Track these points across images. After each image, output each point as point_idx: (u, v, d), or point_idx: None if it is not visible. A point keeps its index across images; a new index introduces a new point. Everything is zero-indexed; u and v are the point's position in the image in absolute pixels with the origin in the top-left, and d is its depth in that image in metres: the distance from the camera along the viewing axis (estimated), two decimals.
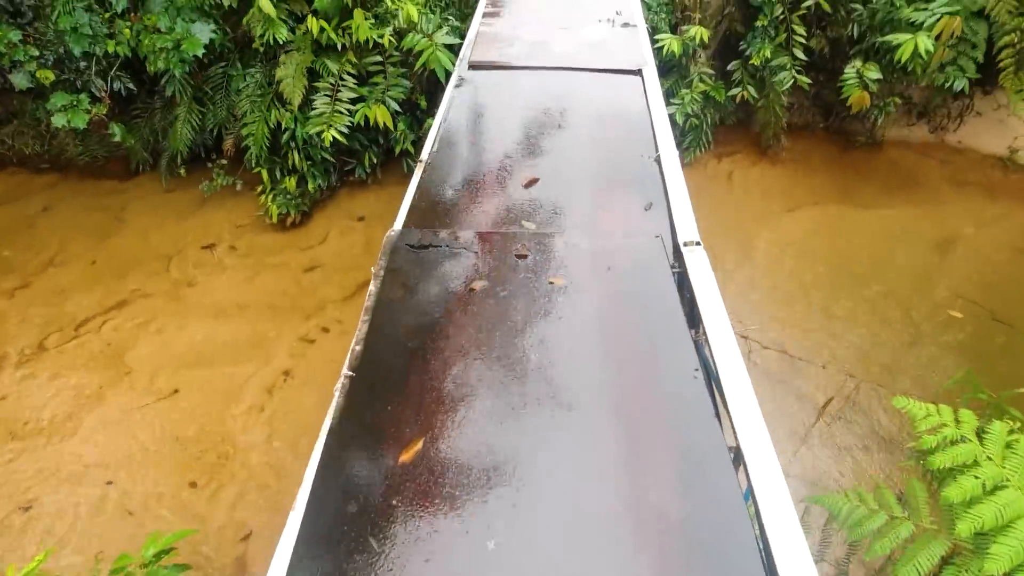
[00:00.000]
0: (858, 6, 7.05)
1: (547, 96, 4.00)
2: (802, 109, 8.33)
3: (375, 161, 7.33)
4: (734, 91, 7.27)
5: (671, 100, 6.98)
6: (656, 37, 6.55)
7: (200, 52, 5.92)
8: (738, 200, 7.40)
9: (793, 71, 6.92)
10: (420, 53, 6.22)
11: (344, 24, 6.40)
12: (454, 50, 6.08)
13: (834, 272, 6.48)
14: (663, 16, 7.06)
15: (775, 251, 6.72)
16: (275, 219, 6.78)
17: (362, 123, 6.49)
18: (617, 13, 5.03)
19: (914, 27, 6.62)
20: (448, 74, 5.95)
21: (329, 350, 5.46)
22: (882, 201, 7.33)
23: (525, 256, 2.59)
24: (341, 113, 6.37)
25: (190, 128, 6.84)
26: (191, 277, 6.27)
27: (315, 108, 6.33)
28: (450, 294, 2.41)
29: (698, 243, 2.55)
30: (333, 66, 6.46)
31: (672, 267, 2.48)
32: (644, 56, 4.38)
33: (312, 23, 6.17)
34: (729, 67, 7.35)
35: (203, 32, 6.06)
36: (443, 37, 6.16)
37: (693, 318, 2.25)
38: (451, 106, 3.87)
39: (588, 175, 3.32)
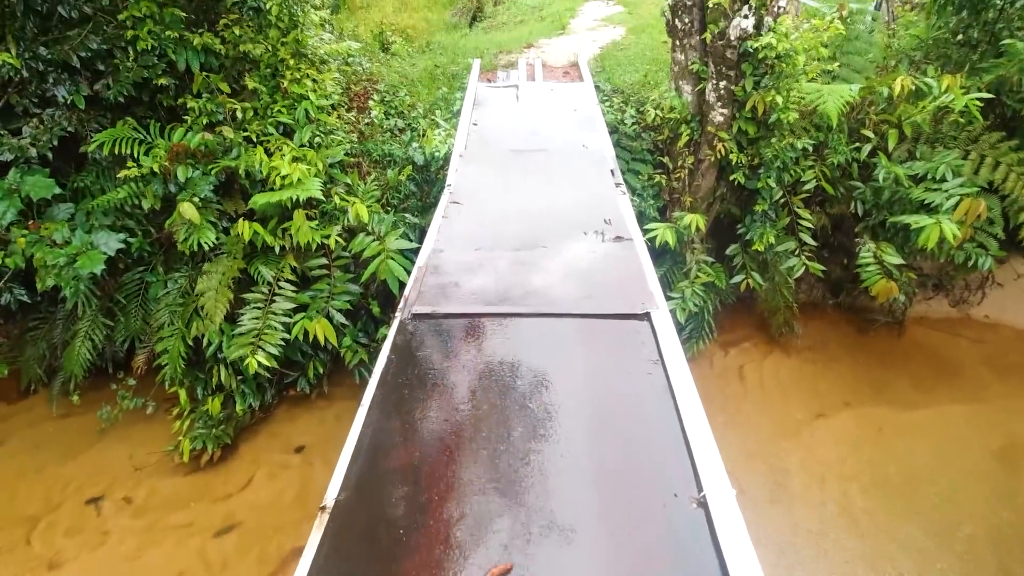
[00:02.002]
0: (858, 184, 6.36)
1: (525, 363, 2.81)
2: (809, 286, 7.43)
3: (321, 372, 6.05)
4: (737, 279, 6.33)
5: (669, 293, 5.97)
6: (647, 227, 5.66)
7: (99, 268, 4.80)
8: (756, 404, 6.16)
9: (803, 257, 6.03)
10: (371, 259, 5.18)
11: (284, 225, 5.42)
12: (412, 258, 5.07)
13: (889, 500, 5.14)
14: (650, 202, 6.27)
15: (812, 477, 5.37)
16: (186, 457, 5.31)
17: (301, 336, 5.29)
18: (606, 222, 4.05)
19: (926, 208, 5.88)
20: (402, 286, 4.87)
21: None
22: (921, 399, 6.16)
23: None
24: (274, 328, 5.17)
25: (91, 346, 5.57)
26: (57, 552, 4.64)
27: (242, 324, 5.14)
28: None
29: None
30: (268, 271, 5.38)
31: None
32: (650, 290, 3.28)
33: (243, 228, 5.17)
34: (728, 251, 6.48)
35: (109, 243, 4.99)
36: (397, 241, 5.16)
37: None
38: (377, 400, 2.62)
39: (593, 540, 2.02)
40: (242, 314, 5.21)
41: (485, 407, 2.47)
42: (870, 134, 6.24)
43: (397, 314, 3.20)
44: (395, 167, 6.16)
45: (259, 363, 4.92)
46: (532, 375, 2.67)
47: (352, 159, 6.27)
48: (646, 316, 3.07)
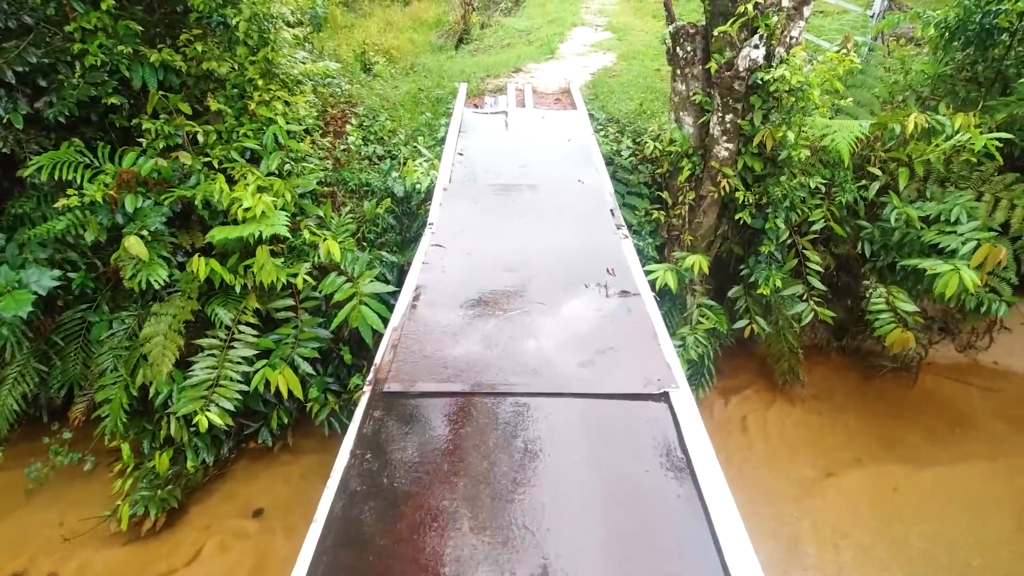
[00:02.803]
0: (866, 224, 5.98)
1: (520, 461, 2.27)
2: (811, 328, 6.99)
3: (286, 422, 5.43)
4: (740, 323, 5.88)
5: None
6: (646, 268, 5.19)
7: (26, 311, 4.17)
8: (760, 459, 5.67)
9: (811, 303, 5.60)
10: (343, 302, 4.61)
11: (247, 262, 4.85)
12: (390, 302, 4.52)
13: (912, 569, 4.68)
14: (648, 240, 5.82)
15: (827, 543, 4.88)
16: (124, 524, 4.64)
17: (261, 387, 4.69)
18: (609, 272, 3.55)
19: (939, 251, 5.51)
20: (377, 336, 4.31)
21: None
22: (935, 454, 5.73)
23: None
24: (231, 379, 4.57)
25: (20, 395, 4.89)
26: None
27: (193, 374, 4.53)
28: None
29: None
30: (227, 313, 4.79)
31: None
32: (667, 361, 2.78)
33: (199, 265, 4.58)
34: (731, 294, 6.03)
35: (41, 280, 4.37)
36: (371, 284, 4.61)
37: None
38: (336, 520, 2.05)
39: None
40: (194, 362, 4.59)
41: (468, 527, 1.92)
42: (877, 171, 5.88)
43: (366, 388, 2.65)
44: (372, 198, 5.63)
45: (213, 420, 4.30)
46: (528, 478, 2.13)
47: (326, 188, 5.73)
48: (663, 397, 2.55)
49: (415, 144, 6.07)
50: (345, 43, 11.92)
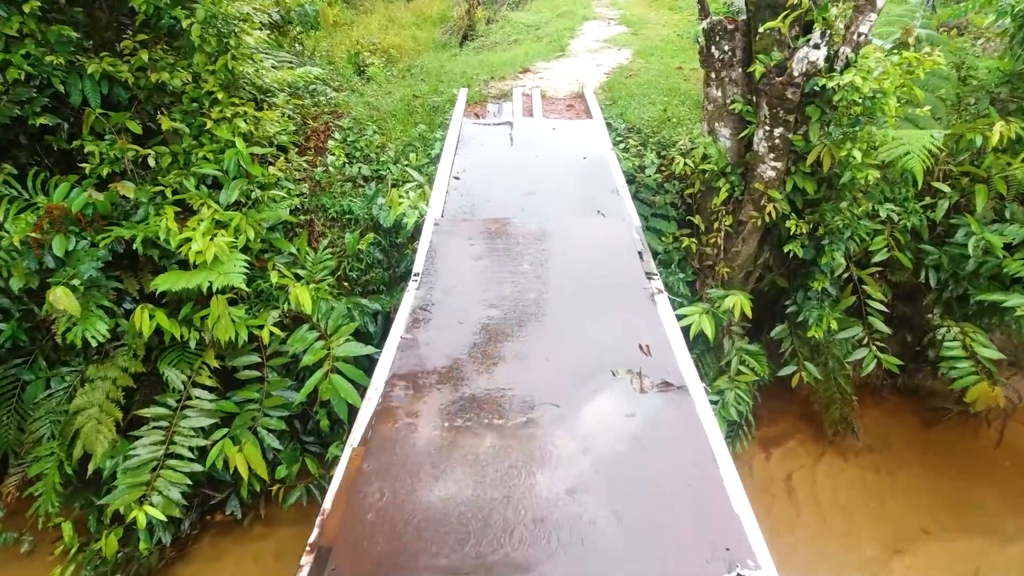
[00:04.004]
0: (931, 249, 5.04)
1: None
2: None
3: (258, 490, 4.63)
4: (787, 370, 4.99)
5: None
6: (679, 312, 4.31)
7: None
8: (813, 531, 4.80)
9: (873, 348, 4.70)
10: (314, 364, 3.79)
11: (203, 312, 4.04)
12: (369, 367, 3.69)
13: None
14: (679, 274, 4.93)
15: None
16: None
17: (220, 464, 3.89)
18: (643, 350, 2.69)
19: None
20: (352, 411, 3.48)
21: None
22: (1019, 525, 4.83)
23: None
24: (180, 458, 3.77)
25: None
26: None
27: (134, 454, 3.73)
28: None
29: None
30: (178, 374, 3.98)
31: None
32: (737, 511, 1.90)
33: (142, 319, 3.78)
34: (775, 334, 5.13)
35: None
36: (347, 345, 3.78)
37: None
38: None
39: None
40: (138, 437, 3.80)
41: None
42: (945, 188, 4.94)
43: (306, 557, 1.81)
44: (356, 228, 4.79)
45: (153, 515, 3.50)
46: None
47: (302, 217, 4.90)
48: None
49: (406, 162, 5.21)
50: (342, 42, 11.07)
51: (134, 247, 3.91)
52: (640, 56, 9.35)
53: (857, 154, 3.88)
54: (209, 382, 4.05)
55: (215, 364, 4.10)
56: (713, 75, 4.70)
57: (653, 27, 11.97)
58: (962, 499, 5.03)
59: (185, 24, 4.18)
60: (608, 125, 5.75)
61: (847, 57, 3.81)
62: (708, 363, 5.07)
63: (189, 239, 3.86)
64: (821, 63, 3.78)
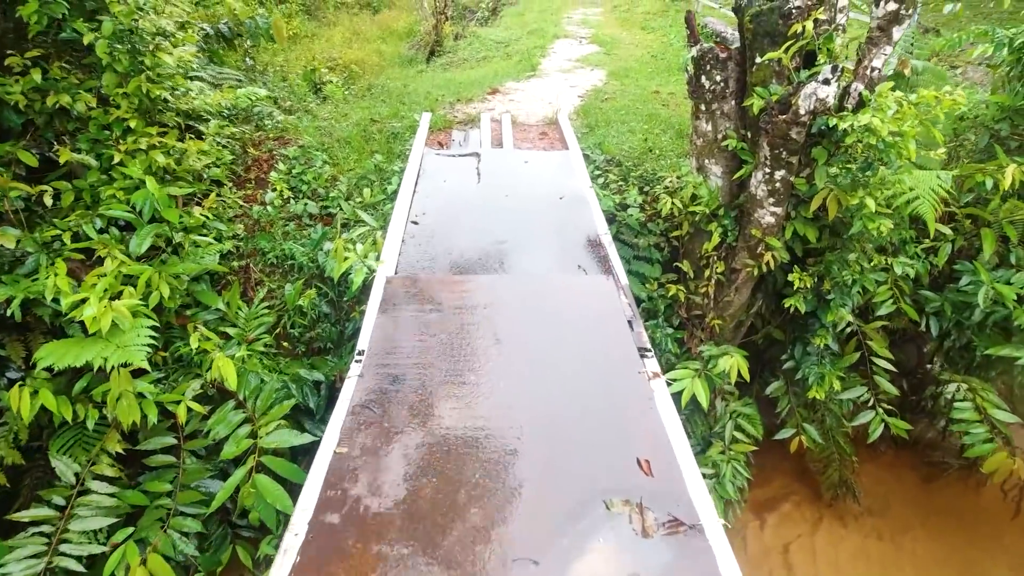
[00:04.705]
0: (932, 296, 4.63)
1: None
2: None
3: None
4: (784, 434, 4.49)
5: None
6: (669, 376, 3.76)
7: None
8: None
9: (881, 411, 4.23)
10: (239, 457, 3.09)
11: (104, 388, 3.30)
12: (306, 460, 3.02)
13: None
14: (668, 329, 4.39)
15: None
16: None
17: None
18: (642, 467, 2.10)
19: None
20: (284, 521, 2.81)
21: None
22: None
23: None
24: (68, 572, 3.02)
25: None
26: None
27: (5, 571, 2.96)
28: None
29: None
30: (69, 465, 3.24)
31: None
32: None
33: (19, 400, 3.03)
34: (770, 391, 4.64)
35: None
36: (279, 433, 3.07)
37: None
38: None
39: None
40: (13, 548, 3.04)
41: None
42: (947, 231, 4.53)
43: None
44: (298, 277, 4.12)
45: None
46: None
47: (236, 262, 4.20)
48: None
49: (359, 199, 4.56)
50: (301, 57, 10.35)
51: (8, 312, 3.17)
52: (615, 77, 8.92)
53: (870, 202, 3.40)
54: (110, 471, 3.31)
55: (119, 449, 3.36)
56: (703, 107, 4.20)
57: (626, 47, 11.60)
58: (972, 566, 4.60)
59: (87, 40, 3.47)
60: (585, 157, 5.21)
61: (860, 94, 3.34)
62: (697, 424, 4.53)
63: (86, 299, 3.14)
64: (831, 101, 3.31)
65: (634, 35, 12.80)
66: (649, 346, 2.87)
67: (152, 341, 3.04)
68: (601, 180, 5.02)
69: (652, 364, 2.72)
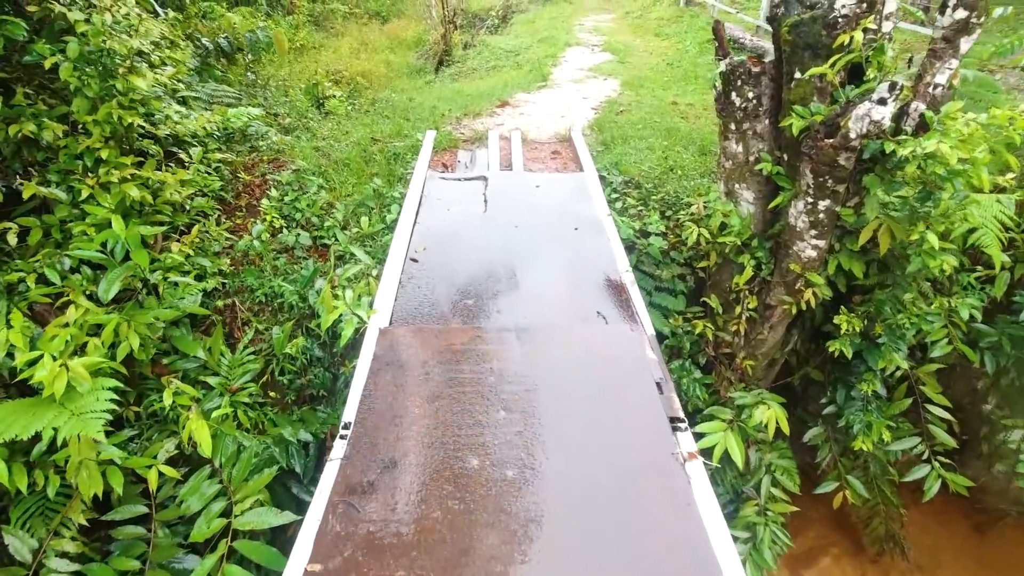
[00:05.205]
0: (987, 330, 4.13)
1: None
2: None
3: None
4: (826, 487, 4.02)
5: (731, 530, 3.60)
6: (697, 429, 3.31)
7: None
8: None
9: (937, 466, 3.75)
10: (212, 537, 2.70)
11: (64, 453, 2.92)
12: (286, 544, 2.62)
13: None
14: (695, 373, 3.95)
15: None
16: None
17: None
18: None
19: None
20: None
21: None
22: None
23: None
24: None
25: None
26: None
27: None
28: None
29: None
30: (25, 541, 2.87)
31: None
32: None
33: None
34: (808, 438, 4.17)
35: None
36: (255, 514, 2.68)
37: None
38: None
39: None
40: None
41: None
42: (1005, 259, 4.04)
43: None
44: (288, 317, 3.74)
45: None
46: None
47: (221, 301, 3.83)
48: None
49: (356, 228, 4.18)
50: (306, 69, 10.04)
51: None
52: (629, 87, 8.48)
53: (932, 238, 2.95)
54: (72, 547, 2.94)
55: (82, 521, 2.99)
56: (733, 126, 3.77)
57: (640, 55, 11.16)
58: None
59: (48, 63, 3.12)
60: (602, 178, 4.79)
61: (922, 115, 2.89)
62: (725, 472, 4.08)
63: (42, 355, 2.77)
64: (887, 123, 2.86)
65: (648, 42, 12.36)
66: (682, 414, 2.44)
67: (112, 406, 2.66)
68: (619, 204, 4.59)
69: (687, 441, 2.29)
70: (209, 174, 4.23)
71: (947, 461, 3.81)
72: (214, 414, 3.05)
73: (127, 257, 3.37)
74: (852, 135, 2.94)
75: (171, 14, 5.60)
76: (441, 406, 2.41)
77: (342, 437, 2.32)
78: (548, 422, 2.34)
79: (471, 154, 5.17)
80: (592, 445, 2.24)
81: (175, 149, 4.07)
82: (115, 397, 2.70)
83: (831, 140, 3.01)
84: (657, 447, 2.25)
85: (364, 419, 2.37)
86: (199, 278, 3.74)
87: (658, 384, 2.56)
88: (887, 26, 3.35)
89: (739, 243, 3.82)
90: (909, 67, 3.40)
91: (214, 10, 8.43)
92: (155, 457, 3.02)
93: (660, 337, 4.18)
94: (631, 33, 13.73)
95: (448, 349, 2.71)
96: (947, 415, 3.81)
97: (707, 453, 3.35)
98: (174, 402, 3.12)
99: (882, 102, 2.83)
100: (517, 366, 2.61)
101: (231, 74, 7.17)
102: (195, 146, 4.15)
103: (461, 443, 2.24)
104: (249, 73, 7.83)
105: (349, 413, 2.41)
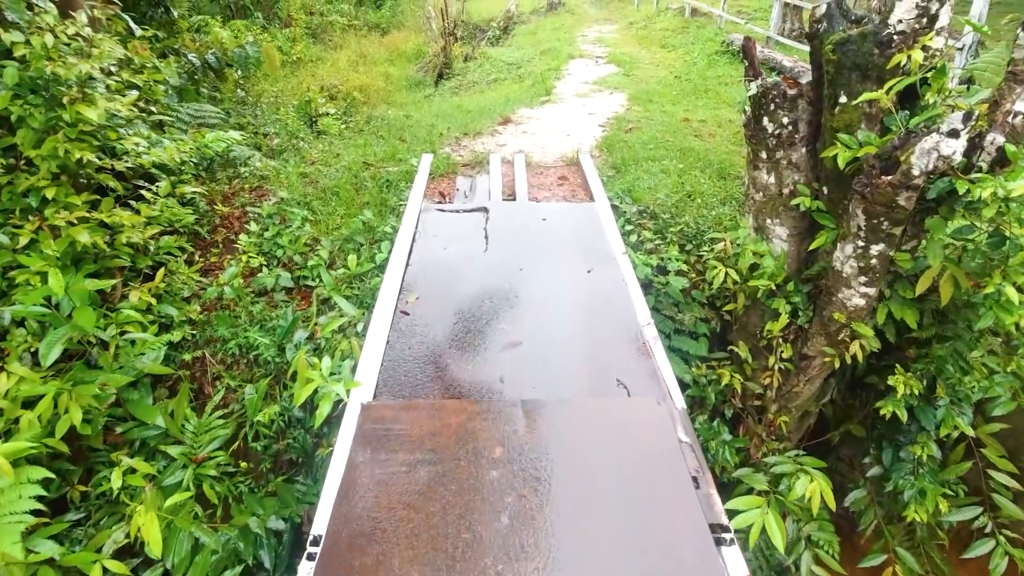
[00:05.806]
0: None
1: None
2: None
3: None
4: (873, 561, 3.53)
5: None
6: (732, 505, 2.84)
7: None
8: None
9: (1005, 542, 3.27)
10: None
11: None
12: None
13: None
14: (724, 433, 3.48)
15: None
16: None
17: None
18: None
19: None
20: None
21: None
22: None
23: None
24: None
25: None
26: None
27: None
28: None
29: None
30: None
31: None
32: None
33: None
34: (849, 502, 3.69)
35: None
36: None
37: None
38: None
39: None
40: None
41: None
42: None
43: None
44: (263, 372, 3.29)
45: None
46: None
47: (188, 355, 3.38)
48: None
49: (343, 268, 3.73)
50: (302, 83, 9.64)
51: None
52: (637, 102, 8.06)
53: (1011, 292, 2.49)
54: None
55: None
56: (764, 154, 3.32)
57: (646, 67, 10.74)
58: None
59: None
60: (614, 207, 4.34)
61: (1000, 148, 2.44)
62: (761, 563, 3.60)
63: None
64: (958, 158, 2.42)
65: (653, 54, 11.96)
66: (725, 519, 1.99)
67: (37, 505, 2.21)
68: (634, 237, 4.14)
69: (734, 558, 1.82)
70: (183, 205, 3.79)
71: (1014, 535, 3.33)
72: (169, 500, 2.59)
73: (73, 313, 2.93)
74: (915, 172, 2.49)
75: (151, 31, 5.20)
76: (433, 512, 1.96)
77: (309, 557, 1.86)
78: (560, 531, 1.88)
79: (471, 180, 4.73)
80: (617, 567, 1.78)
81: (142, 182, 3.64)
82: (42, 492, 2.24)
83: (889, 177, 2.56)
84: (700, 570, 1.79)
85: (338, 532, 1.91)
86: (165, 328, 3.30)
87: (694, 479, 2.10)
88: (939, 42, 2.91)
89: (772, 286, 3.36)
90: (968, 89, 2.96)
91: (208, 24, 8.05)
92: (99, 551, 2.57)
93: (682, 385, 3.71)
94: (636, 44, 13.33)
95: (442, 431, 2.26)
96: (1013, 482, 3.33)
97: (744, 538, 2.88)
98: (124, 482, 2.67)
99: (953, 134, 2.38)
100: (523, 455, 2.16)
101: (221, 91, 6.77)
102: (163, 178, 3.72)
103: (456, 567, 1.78)
104: (239, 90, 7.43)
105: (320, 524, 1.96)
